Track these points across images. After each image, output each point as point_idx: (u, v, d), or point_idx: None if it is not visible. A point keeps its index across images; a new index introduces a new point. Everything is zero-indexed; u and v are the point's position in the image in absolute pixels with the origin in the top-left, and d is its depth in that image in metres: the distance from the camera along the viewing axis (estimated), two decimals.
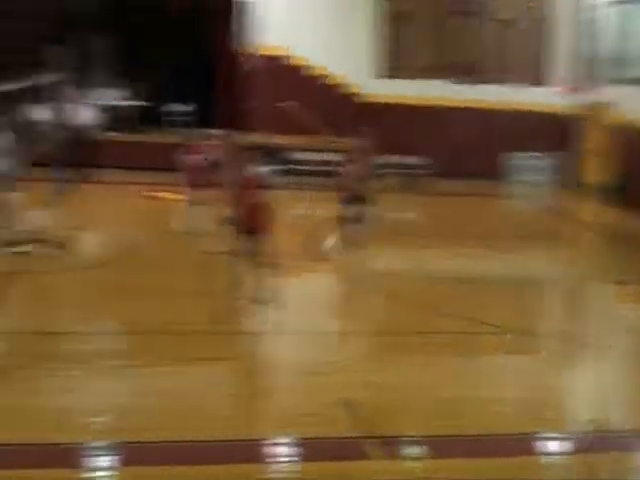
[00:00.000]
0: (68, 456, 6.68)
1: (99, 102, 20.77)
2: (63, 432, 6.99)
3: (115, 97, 23.87)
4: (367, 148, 14.60)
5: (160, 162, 19.73)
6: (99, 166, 19.89)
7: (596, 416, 8.31)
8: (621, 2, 20.93)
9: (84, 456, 6.73)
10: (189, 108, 23.98)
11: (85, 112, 20.19)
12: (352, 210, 13.73)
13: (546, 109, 23.78)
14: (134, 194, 18.43)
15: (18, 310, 10.65)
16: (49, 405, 7.54)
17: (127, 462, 6.65)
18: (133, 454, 6.77)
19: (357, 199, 13.84)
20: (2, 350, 8.83)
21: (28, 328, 9.63)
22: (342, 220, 13.84)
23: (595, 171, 22.71)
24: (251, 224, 10.83)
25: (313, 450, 7.06)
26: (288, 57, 22.88)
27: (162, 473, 6.48)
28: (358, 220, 13.78)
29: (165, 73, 25.21)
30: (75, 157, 19.59)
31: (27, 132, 19.85)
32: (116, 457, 6.76)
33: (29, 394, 7.72)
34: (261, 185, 11.19)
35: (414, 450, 7.34)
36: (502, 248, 14.72)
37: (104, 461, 6.74)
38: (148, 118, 23.96)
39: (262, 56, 22.35)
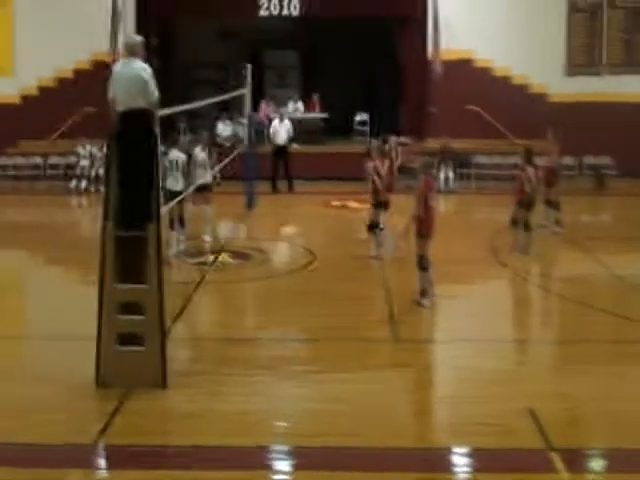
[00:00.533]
0: (249, 458, 6.76)
1: (288, 116, 21.22)
2: (245, 435, 7.07)
3: (301, 110, 24.32)
4: (552, 150, 14.03)
5: (346, 171, 19.96)
6: (291, 178, 20.40)
7: None
8: None
9: (265, 459, 6.79)
10: (373, 117, 24.06)
11: (282, 127, 20.70)
12: (524, 214, 13.27)
13: None
14: (321, 204, 18.66)
15: (205, 317, 11.00)
16: (232, 409, 7.66)
17: (306, 466, 6.65)
18: (313, 458, 6.77)
19: (531, 203, 13.36)
20: (189, 356, 9.08)
21: (214, 335, 9.90)
22: (516, 224, 13.41)
23: None
24: (426, 228, 10.62)
25: (492, 460, 6.79)
26: (473, 60, 22.47)
27: (338, 478, 6.42)
28: (528, 225, 13.31)
29: (350, 84, 25.46)
30: (274, 170, 20.22)
31: (219, 146, 20.62)
32: (296, 461, 6.78)
33: (214, 398, 7.89)
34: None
35: (598, 464, 6.93)
36: None
37: (284, 465, 6.79)
38: (335, 129, 24.28)
39: (448, 61, 22.04)
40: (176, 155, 13.22)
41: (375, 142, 18.71)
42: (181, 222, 13.52)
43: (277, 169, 20.51)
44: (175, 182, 13.05)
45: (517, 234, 13.50)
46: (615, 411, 7.81)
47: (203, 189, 13.96)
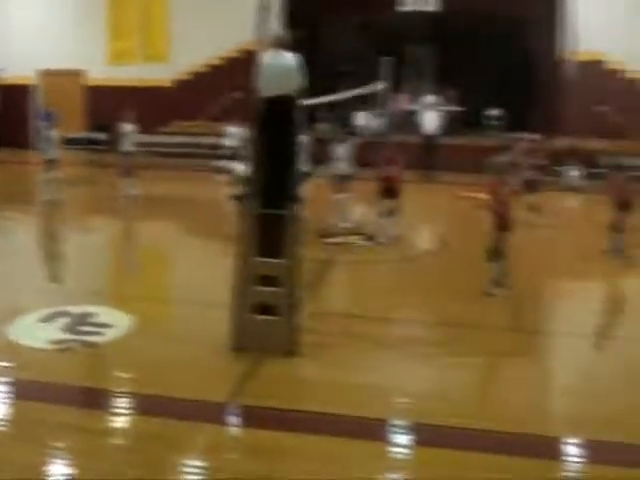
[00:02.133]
0: (371, 429, 6.77)
1: (429, 109, 21.04)
2: (369, 407, 7.08)
3: (439, 103, 24.10)
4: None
5: (478, 164, 19.60)
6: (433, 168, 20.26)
7: None
8: None
9: (389, 432, 6.76)
10: (506, 113, 23.59)
11: (431, 118, 20.58)
12: (621, 216, 12.66)
13: None
14: (453, 194, 18.44)
15: (334, 294, 11.04)
16: (359, 382, 7.67)
17: (424, 443, 6.58)
18: (431, 436, 6.70)
19: (627, 205, 12.72)
20: (320, 328, 9.13)
21: (341, 310, 9.92)
22: (613, 227, 12.82)
23: None
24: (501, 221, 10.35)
25: (608, 453, 6.58)
26: (605, 62, 21.65)
27: (455, 457, 6.33)
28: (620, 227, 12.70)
29: (486, 80, 25.04)
30: (423, 160, 20.15)
31: (358, 137, 20.64)
32: (414, 436, 6.71)
33: (342, 370, 7.92)
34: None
35: None
36: None
37: (402, 439, 6.71)
38: (468, 122, 23.95)
39: (580, 61, 21.34)
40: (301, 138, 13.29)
41: (507, 137, 18.29)
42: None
43: (425, 159, 20.38)
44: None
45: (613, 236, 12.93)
46: None
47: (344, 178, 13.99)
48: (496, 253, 10.42)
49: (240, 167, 12.96)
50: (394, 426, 6.86)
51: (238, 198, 10.82)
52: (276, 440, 6.46)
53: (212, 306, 9.80)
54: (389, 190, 13.44)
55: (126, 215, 16.37)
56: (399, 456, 6.44)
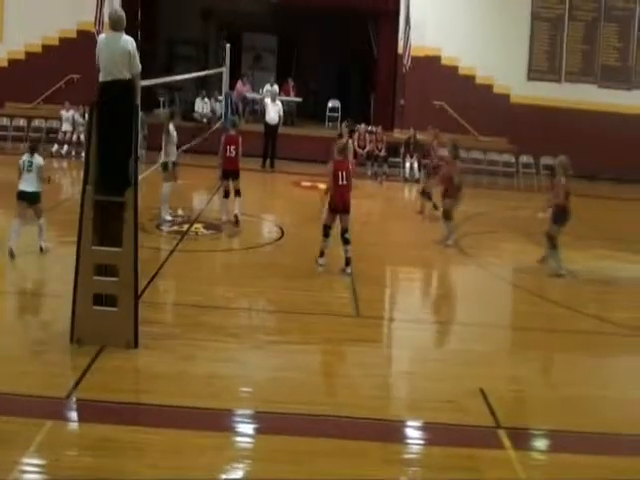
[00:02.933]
0: (214, 420, 6.74)
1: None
2: (212, 398, 7.03)
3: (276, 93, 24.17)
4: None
5: (317, 154, 19.88)
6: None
7: None
8: None
9: (228, 422, 6.77)
10: (345, 104, 23.98)
11: (273, 107, 20.49)
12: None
13: None
14: (294, 184, 18.56)
15: (177, 284, 10.86)
16: (201, 372, 7.61)
17: (265, 430, 6.63)
18: (273, 423, 6.75)
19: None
20: (160, 319, 8.98)
21: (186, 301, 9.77)
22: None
23: None
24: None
25: (443, 435, 6.83)
26: (441, 57, 22.46)
27: (296, 443, 6.39)
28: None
29: (325, 71, 25.39)
30: (265, 148, 20.03)
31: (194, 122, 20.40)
32: (257, 425, 6.76)
33: (183, 361, 7.82)
34: None
35: (542, 443, 7.01)
36: None
37: (246, 428, 6.75)
38: (308, 113, 24.17)
39: (417, 56, 22.01)
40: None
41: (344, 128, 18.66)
42: None
43: (267, 148, 20.31)
44: None
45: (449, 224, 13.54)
46: (561, 395, 7.90)
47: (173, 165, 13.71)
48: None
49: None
50: (237, 415, 6.87)
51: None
52: (116, 434, 6.29)
53: (52, 297, 9.45)
54: (229, 172, 13.60)
55: None
56: (243, 445, 6.45)
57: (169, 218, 13.61)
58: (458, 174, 13.43)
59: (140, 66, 8.14)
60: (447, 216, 13.36)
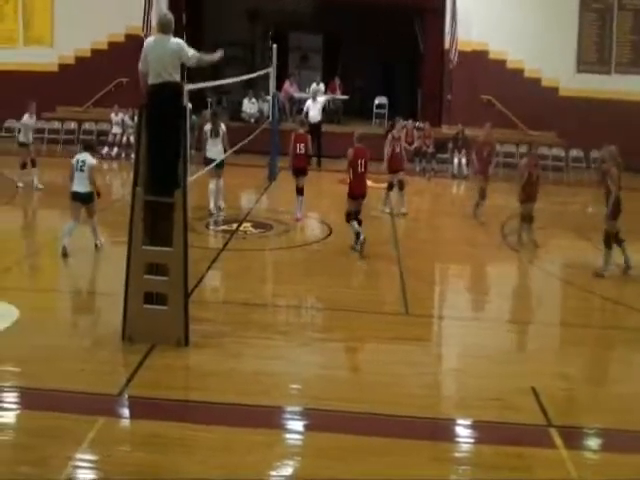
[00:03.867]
0: (263, 417, 6.77)
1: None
2: (261, 395, 7.08)
3: (322, 91, 24.16)
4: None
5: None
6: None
7: None
8: None
9: (278, 418, 6.81)
10: (392, 101, 23.87)
11: (315, 106, 20.50)
12: (529, 208, 13.11)
13: None
14: (339, 182, 18.51)
15: (227, 282, 10.94)
16: (249, 370, 7.66)
17: (314, 427, 6.65)
18: (321, 420, 6.77)
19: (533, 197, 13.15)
20: (210, 317, 9.05)
21: (235, 299, 9.84)
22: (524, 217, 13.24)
23: None
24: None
25: (493, 433, 6.77)
26: (488, 52, 22.23)
27: (342, 440, 6.39)
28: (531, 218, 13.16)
29: (372, 68, 25.31)
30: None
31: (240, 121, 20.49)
32: (305, 421, 6.79)
33: (232, 359, 7.88)
34: None
35: (594, 442, 6.90)
36: None
37: (295, 425, 6.79)
38: (355, 110, 24.11)
39: (464, 51, 21.82)
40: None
41: (393, 124, 18.57)
42: None
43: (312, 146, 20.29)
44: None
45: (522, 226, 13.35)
46: (613, 393, 7.79)
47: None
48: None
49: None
50: (286, 412, 6.90)
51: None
52: (167, 431, 6.38)
53: (104, 296, 9.59)
54: (299, 170, 14.15)
55: (23, 205, 15.65)
56: (292, 442, 6.48)
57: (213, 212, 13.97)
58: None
59: (196, 53, 8.19)
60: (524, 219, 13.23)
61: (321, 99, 20.76)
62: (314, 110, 20.46)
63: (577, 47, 22.75)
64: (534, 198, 13.07)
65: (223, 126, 14.29)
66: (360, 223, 12.01)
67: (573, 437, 6.73)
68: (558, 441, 6.56)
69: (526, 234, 13.16)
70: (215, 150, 13.91)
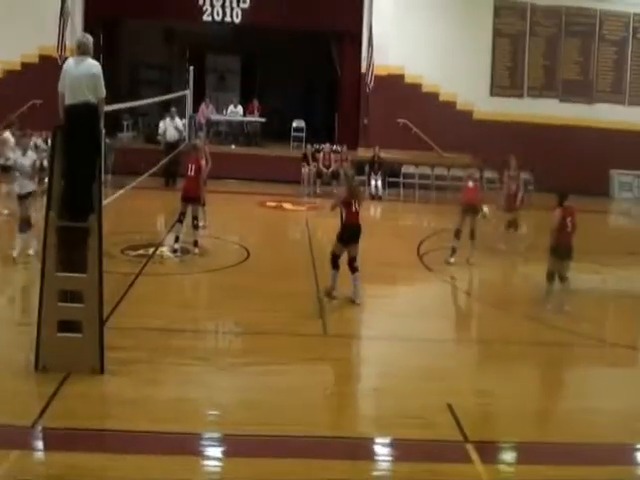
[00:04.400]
0: (182, 444, 6.72)
1: (227, 117, 21.03)
2: (179, 422, 7.02)
3: (240, 113, 24.26)
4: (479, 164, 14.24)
5: (282, 174, 19.97)
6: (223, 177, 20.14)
7: None
8: None
9: (196, 445, 6.76)
10: (309, 124, 24.09)
11: (171, 125, 20.34)
12: (469, 223, 13.44)
13: None
14: (258, 204, 18.59)
15: (143, 308, 10.80)
16: (168, 397, 7.60)
17: (234, 453, 6.63)
18: (241, 446, 6.75)
19: (470, 213, 13.51)
20: (126, 344, 8.94)
21: (152, 325, 9.74)
22: (456, 233, 13.53)
23: None
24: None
25: (411, 451, 6.87)
26: (404, 76, 22.70)
27: (265, 465, 6.40)
28: (470, 234, 13.49)
29: (290, 91, 25.52)
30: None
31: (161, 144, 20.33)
32: (225, 448, 6.76)
33: (150, 386, 7.81)
34: None
35: (510, 456, 7.10)
36: (609, 263, 14.11)
37: (214, 451, 6.75)
38: (270, 133, 24.25)
39: (380, 75, 22.24)
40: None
41: (311, 148, 18.80)
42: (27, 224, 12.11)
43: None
44: None
45: (457, 241, 13.63)
46: (529, 408, 8.01)
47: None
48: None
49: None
50: (204, 439, 6.87)
51: None
52: (83, 462, 6.26)
53: (15, 325, 9.41)
54: (189, 197, 13.36)
55: None
56: (210, 469, 6.45)
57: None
58: None
59: (105, 91, 8.17)
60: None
61: (177, 120, 20.60)
62: (171, 129, 20.35)
63: (491, 71, 23.50)
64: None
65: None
66: (356, 270, 11.07)
67: (489, 452, 6.89)
68: (474, 456, 6.71)
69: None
70: None
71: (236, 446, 6.75)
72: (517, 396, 8.34)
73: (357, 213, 11.17)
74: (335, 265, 11.08)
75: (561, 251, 11.10)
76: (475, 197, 13.64)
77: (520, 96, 23.59)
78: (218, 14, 22.94)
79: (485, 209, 13.60)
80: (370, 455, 6.87)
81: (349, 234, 11.04)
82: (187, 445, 6.73)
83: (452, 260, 13.42)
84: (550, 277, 11.26)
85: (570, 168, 21.97)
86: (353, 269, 11.05)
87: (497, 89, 23.62)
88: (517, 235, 14.98)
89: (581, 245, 12.51)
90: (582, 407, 7.99)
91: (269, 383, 8.09)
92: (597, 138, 22.62)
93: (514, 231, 14.95)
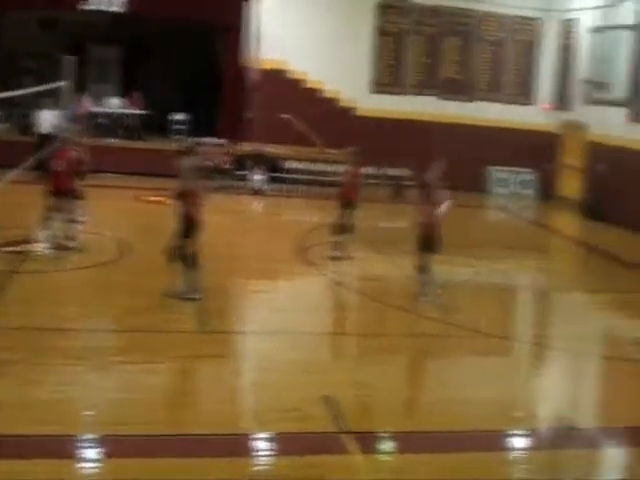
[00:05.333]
0: (59, 447, 6.63)
1: (107, 110, 20.59)
2: (56, 424, 6.93)
3: (121, 106, 23.83)
4: (358, 159, 14.43)
5: (162, 168, 19.72)
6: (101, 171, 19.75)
7: (562, 415, 8.28)
8: (600, 29, 20.97)
9: (74, 447, 6.67)
10: (191, 117, 23.89)
11: (46, 117, 19.89)
12: (345, 218, 13.66)
13: (529, 126, 23.88)
14: (136, 199, 18.32)
15: (19, 307, 10.53)
16: (45, 397, 7.47)
17: (111, 454, 6.58)
18: (118, 446, 6.72)
19: (349, 207, 13.75)
20: (4, 344, 8.73)
21: (27, 324, 9.53)
22: (336, 228, 13.74)
23: (571, 186, 22.76)
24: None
25: (290, 444, 7.03)
26: (288, 71, 22.84)
27: (148, 465, 6.41)
28: (349, 228, 13.73)
29: (171, 84, 25.25)
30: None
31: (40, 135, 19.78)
32: (102, 449, 6.70)
33: (26, 387, 7.66)
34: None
35: (387, 445, 7.32)
36: (483, 256, 14.69)
37: (90, 453, 6.67)
38: (153, 126, 23.91)
39: (263, 70, 22.31)
40: None
41: (192, 141, 18.58)
42: None
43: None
44: None
45: (335, 237, 13.77)
46: (404, 398, 8.30)
47: None
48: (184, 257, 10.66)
49: None
50: (80, 440, 6.77)
51: None
52: None
53: None
54: (60, 191, 12.85)
55: None
56: (86, 472, 6.37)
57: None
58: None
59: None
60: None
61: (54, 111, 20.19)
62: (46, 121, 19.95)
63: (374, 69, 23.90)
64: None
65: None
66: None
67: (366, 442, 7.09)
68: (352, 447, 6.90)
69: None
70: None
71: (113, 446, 6.69)
72: (394, 387, 8.66)
73: (194, 208, 10.69)
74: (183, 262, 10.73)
75: (429, 244, 11.50)
76: (353, 192, 13.89)
77: (402, 93, 24.10)
78: (100, 2, 22.44)
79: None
80: (249, 451, 6.94)
81: (187, 229, 10.73)
82: (63, 447, 6.61)
83: (333, 254, 13.66)
84: (421, 270, 11.65)
85: (449, 164, 22.68)
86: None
87: (380, 86, 24.03)
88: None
89: (457, 239, 13.05)
90: (458, 396, 8.34)
91: (146, 382, 8.05)
92: (475, 135, 23.40)
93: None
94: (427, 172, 12.18)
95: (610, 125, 20.52)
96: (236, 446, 6.97)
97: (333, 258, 13.64)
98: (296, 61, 22.71)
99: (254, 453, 6.95)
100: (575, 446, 7.59)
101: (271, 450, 6.99)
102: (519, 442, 7.71)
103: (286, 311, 11.19)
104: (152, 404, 7.56)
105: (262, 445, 7.09)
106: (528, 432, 7.79)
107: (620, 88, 19.86)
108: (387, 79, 24.07)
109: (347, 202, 13.78)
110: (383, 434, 7.38)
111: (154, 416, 7.25)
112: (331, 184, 21.08)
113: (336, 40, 22.95)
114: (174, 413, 7.35)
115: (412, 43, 24.11)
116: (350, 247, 13.83)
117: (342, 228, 13.71)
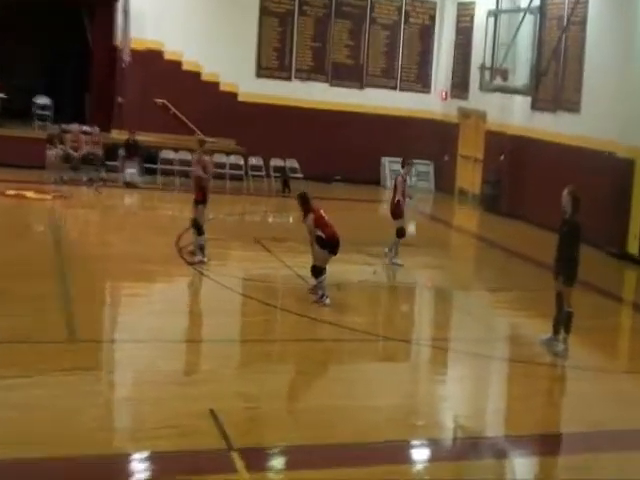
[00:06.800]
0: None
1: None
2: None
3: None
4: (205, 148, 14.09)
5: (25, 158, 19.09)
6: None
7: (466, 423, 8.37)
8: (499, 12, 21.47)
9: None
10: (56, 102, 23.21)
11: None
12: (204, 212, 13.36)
13: (425, 115, 24.31)
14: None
15: None
16: None
17: None
18: None
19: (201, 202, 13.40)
20: None
21: None
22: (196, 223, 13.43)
23: (470, 178, 23.28)
24: None
25: (171, 464, 6.81)
26: (163, 52, 22.42)
27: None
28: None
29: (34, 65, 24.52)
30: None
31: None
32: None
33: None
34: None
35: (279, 461, 7.21)
36: (380, 254, 14.76)
37: None
38: (13, 111, 23.10)
39: (136, 50, 21.83)
40: None
41: (58, 128, 18.04)
42: None
43: None
44: None
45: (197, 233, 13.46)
46: (297, 409, 8.22)
47: None
48: None
49: None
50: None
51: None
52: None
53: None
54: None
55: None
56: None
57: None
58: None
59: None
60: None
61: None
62: None
63: (257, 52, 23.76)
64: None
65: None
66: None
67: (255, 459, 6.94)
68: (239, 464, 6.73)
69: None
70: None
71: None
72: (285, 397, 8.58)
73: None
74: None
75: (333, 244, 11.49)
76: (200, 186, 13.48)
77: (288, 78, 24.07)
78: None
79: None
80: (124, 473, 6.68)
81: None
82: None
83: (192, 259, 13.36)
84: (316, 271, 11.60)
85: (340, 155, 22.87)
86: None
87: (264, 70, 23.92)
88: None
89: (351, 236, 13.05)
90: (356, 405, 8.29)
91: (13, 399, 7.66)
92: (368, 124, 23.63)
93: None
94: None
95: (510, 114, 21.06)
96: (110, 468, 6.68)
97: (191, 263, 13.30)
98: (173, 41, 22.33)
99: (131, 475, 6.70)
100: (479, 456, 7.66)
101: (150, 471, 6.73)
102: (420, 453, 7.73)
103: (164, 317, 10.91)
104: (20, 424, 7.16)
105: (140, 466, 6.81)
106: (430, 442, 7.82)
107: (520, 75, 20.38)
108: (272, 63, 23.98)
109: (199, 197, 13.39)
110: (274, 449, 7.23)
111: (22, 437, 6.88)
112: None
113: (217, 20, 22.73)
114: (44, 432, 7.00)
115: (299, 25, 24.10)
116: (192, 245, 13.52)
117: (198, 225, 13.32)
